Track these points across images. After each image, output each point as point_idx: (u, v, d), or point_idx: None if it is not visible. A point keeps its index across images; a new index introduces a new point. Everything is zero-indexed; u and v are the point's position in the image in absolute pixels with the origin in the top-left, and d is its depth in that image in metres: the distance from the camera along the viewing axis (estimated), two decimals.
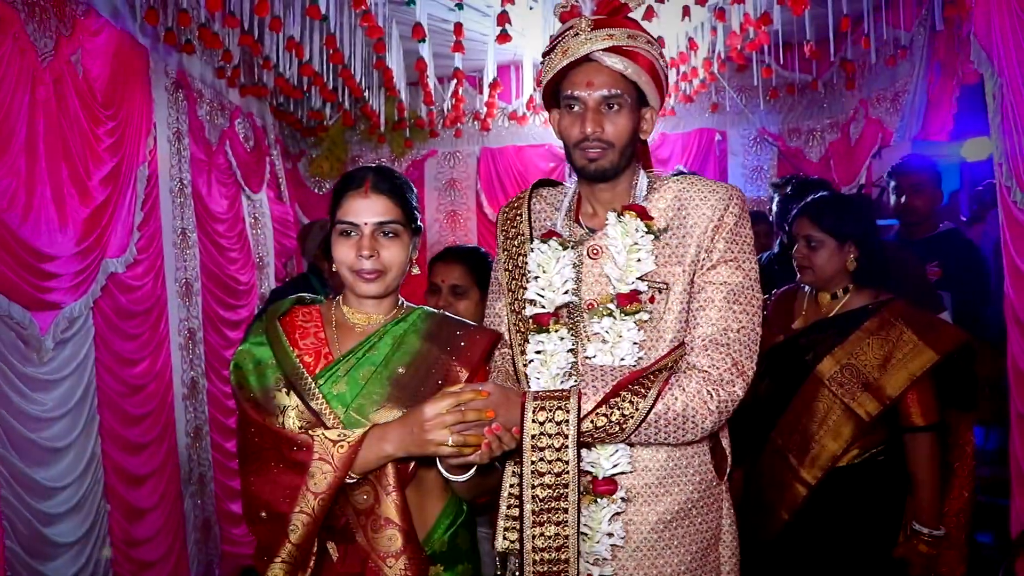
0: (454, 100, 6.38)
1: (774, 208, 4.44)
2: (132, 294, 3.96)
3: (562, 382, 1.74)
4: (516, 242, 1.93)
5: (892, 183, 3.86)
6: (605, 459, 1.70)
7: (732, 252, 1.71)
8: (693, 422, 1.64)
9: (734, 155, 7.14)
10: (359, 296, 1.83)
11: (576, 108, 1.75)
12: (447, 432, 1.56)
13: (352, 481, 1.65)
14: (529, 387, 1.75)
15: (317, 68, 5.06)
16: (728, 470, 1.82)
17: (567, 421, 1.60)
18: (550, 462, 1.60)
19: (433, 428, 1.56)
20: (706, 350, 1.68)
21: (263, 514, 1.66)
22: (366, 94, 5.87)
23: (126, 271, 3.88)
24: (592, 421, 1.62)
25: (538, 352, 1.77)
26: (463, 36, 4.73)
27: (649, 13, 4.14)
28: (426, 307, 1.93)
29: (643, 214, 1.75)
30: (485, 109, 6.55)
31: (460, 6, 4.15)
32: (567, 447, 1.59)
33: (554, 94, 1.83)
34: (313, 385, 1.71)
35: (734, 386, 1.67)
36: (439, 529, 1.81)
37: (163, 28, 4.26)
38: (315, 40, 4.84)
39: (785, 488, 2.55)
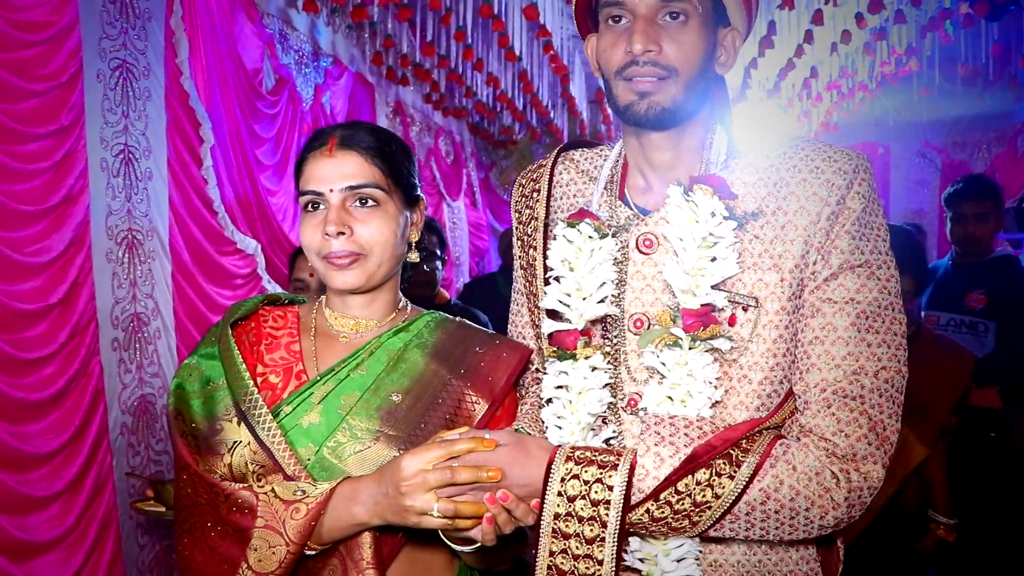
0: None
1: None
2: None
3: (593, 435, 1.22)
4: (529, 228, 1.38)
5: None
6: (663, 554, 1.17)
7: (862, 253, 1.15)
8: (807, 517, 1.10)
9: (896, 168, 7.27)
10: (337, 292, 1.37)
11: (622, 21, 1.19)
12: (432, 497, 1.10)
13: (312, 553, 1.20)
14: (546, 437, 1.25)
15: (510, 95, 5.88)
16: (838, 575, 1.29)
17: (608, 502, 1.07)
18: (576, 558, 1.09)
19: (413, 490, 1.10)
20: (829, 407, 1.13)
21: None
22: (551, 114, 6.65)
23: None
24: (648, 510, 1.09)
25: (559, 388, 1.24)
26: None
27: (800, 50, 4.64)
28: (438, 312, 1.45)
29: (723, 190, 1.16)
30: None
31: None
32: (603, 540, 1.08)
33: (591, 13, 1.30)
34: (267, 415, 1.25)
35: (874, 463, 1.11)
36: None
37: (385, 67, 5.19)
38: (509, 73, 5.65)
39: None
